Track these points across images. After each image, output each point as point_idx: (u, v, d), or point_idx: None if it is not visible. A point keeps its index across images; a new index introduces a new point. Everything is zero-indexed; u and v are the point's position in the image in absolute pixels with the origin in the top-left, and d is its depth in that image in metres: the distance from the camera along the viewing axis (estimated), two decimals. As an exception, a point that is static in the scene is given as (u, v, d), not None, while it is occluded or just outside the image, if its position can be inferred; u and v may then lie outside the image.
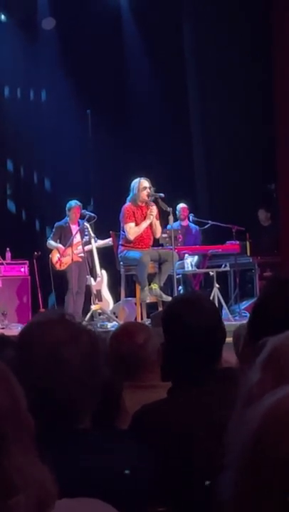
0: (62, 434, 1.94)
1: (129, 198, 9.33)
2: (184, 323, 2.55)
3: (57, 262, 10.16)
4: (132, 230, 9.22)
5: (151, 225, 9.34)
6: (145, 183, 9.25)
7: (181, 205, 11.15)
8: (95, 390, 2.01)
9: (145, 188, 9.23)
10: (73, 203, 10.25)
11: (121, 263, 9.41)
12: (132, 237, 9.22)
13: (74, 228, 10.18)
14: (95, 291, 9.75)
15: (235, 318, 9.91)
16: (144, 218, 9.28)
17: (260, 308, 2.42)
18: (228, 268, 10.87)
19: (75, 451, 1.95)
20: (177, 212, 10.94)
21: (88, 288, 9.92)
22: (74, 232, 10.09)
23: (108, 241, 9.88)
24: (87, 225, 9.87)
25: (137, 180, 9.31)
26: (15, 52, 12.22)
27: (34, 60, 12.32)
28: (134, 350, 3.04)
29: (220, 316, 2.73)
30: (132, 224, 9.22)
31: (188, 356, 2.52)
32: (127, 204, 9.31)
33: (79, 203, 10.26)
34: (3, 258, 10.61)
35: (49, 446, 1.53)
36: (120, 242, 9.39)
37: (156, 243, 9.62)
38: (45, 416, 1.49)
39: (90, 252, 9.93)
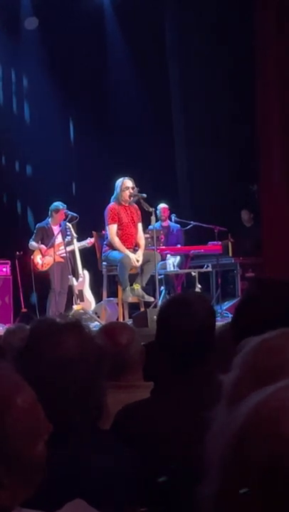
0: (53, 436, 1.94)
1: (112, 198, 9.30)
2: (173, 325, 2.55)
3: (38, 263, 10.14)
4: (113, 232, 9.17)
5: (136, 227, 9.33)
6: (128, 182, 9.21)
7: (162, 206, 11.15)
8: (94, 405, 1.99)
9: (128, 187, 9.19)
10: (60, 205, 10.15)
11: (104, 263, 9.39)
12: (113, 239, 9.17)
13: (56, 229, 10.14)
14: (77, 292, 9.73)
15: (216, 319, 9.91)
16: (129, 217, 9.25)
17: (243, 309, 2.42)
18: (210, 269, 10.87)
19: (61, 452, 1.95)
20: (158, 213, 10.94)
21: (70, 288, 9.90)
22: (56, 233, 10.06)
23: (85, 243, 9.86)
24: (69, 225, 9.84)
25: (120, 179, 9.28)
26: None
27: (16, 59, 12.31)
28: (117, 351, 3.04)
29: (212, 319, 2.69)
30: (115, 226, 9.17)
31: (176, 357, 2.52)
32: (111, 204, 9.27)
33: (64, 206, 10.18)
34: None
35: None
36: (105, 242, 9.36)
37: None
38: None
39: (72, 252, 9.91)
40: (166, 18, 12.39)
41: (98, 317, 9.49)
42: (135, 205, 9.33)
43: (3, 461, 1.38)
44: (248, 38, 10.96)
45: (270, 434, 0.91)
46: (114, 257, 9.17)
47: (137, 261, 9.11)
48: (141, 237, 9.34)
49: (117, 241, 9.14)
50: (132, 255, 9.11)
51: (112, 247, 9.22)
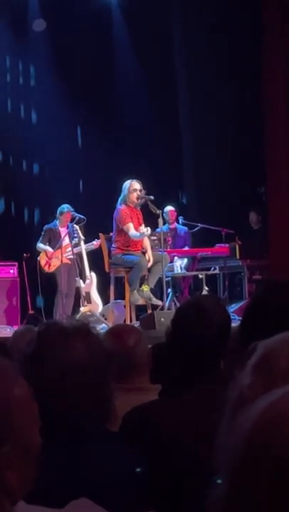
0: (61, 438, 1.94)
1: (120, 199, 9.31)
2: (188, 328, 2.55)
3: (45, 265, 10.14)
4: (132, 230, 9.15)
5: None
6: (136, 185, 9.22)
7: (169, 208, 11.16)
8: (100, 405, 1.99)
9: (135, 190, 9.20)
10: (66, 208, 10.16)
11: (115, 265, 9.37)
12: (134, 234, 9.14)
13: (63, 231, 10.15)
14: (84, 294, 9.74)
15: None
16: (136, 219, 9.26)
17: (252, 311, 2.42)
18: (217, 271, 10.86)
19: (69, 453, 1.95)
20: (165, 216, 10.94)
21: (77, 290, 9.91)
22: (63, 235, 10.07)
23: (91, 245, 9.86)
24: (76, 227, 9.85)
25: (128, 181, 9.28)
26: (5, 53, 12.24)
27: (24, 60, 12.36)
28: (124, 352, 3.03)
29: (227, 325, 2.67)
30: (131, 224, 9.17)
31: (188, 360, 2.52)
32: (122, 206, 9.26)
33: (71, 209, 10.18)
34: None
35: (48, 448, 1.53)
36: (114, 245, 9.35)
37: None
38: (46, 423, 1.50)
39: (80, 254, 9.92)
40: (173, 20, 12.39)
41: (105, 319, 9.49)
42: (138, 208, 9.36)
43: (11, 445, 1.40)
44: (255, 38, 10.94)
45: (279, 436, 0.91)
46: (131, 259, 9.14)
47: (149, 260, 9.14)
48: (145, 238, 9.36)
49: (138, 234, 9.10)
50: (148, 251, 9.14)
51: (123, 250, 9.22)
